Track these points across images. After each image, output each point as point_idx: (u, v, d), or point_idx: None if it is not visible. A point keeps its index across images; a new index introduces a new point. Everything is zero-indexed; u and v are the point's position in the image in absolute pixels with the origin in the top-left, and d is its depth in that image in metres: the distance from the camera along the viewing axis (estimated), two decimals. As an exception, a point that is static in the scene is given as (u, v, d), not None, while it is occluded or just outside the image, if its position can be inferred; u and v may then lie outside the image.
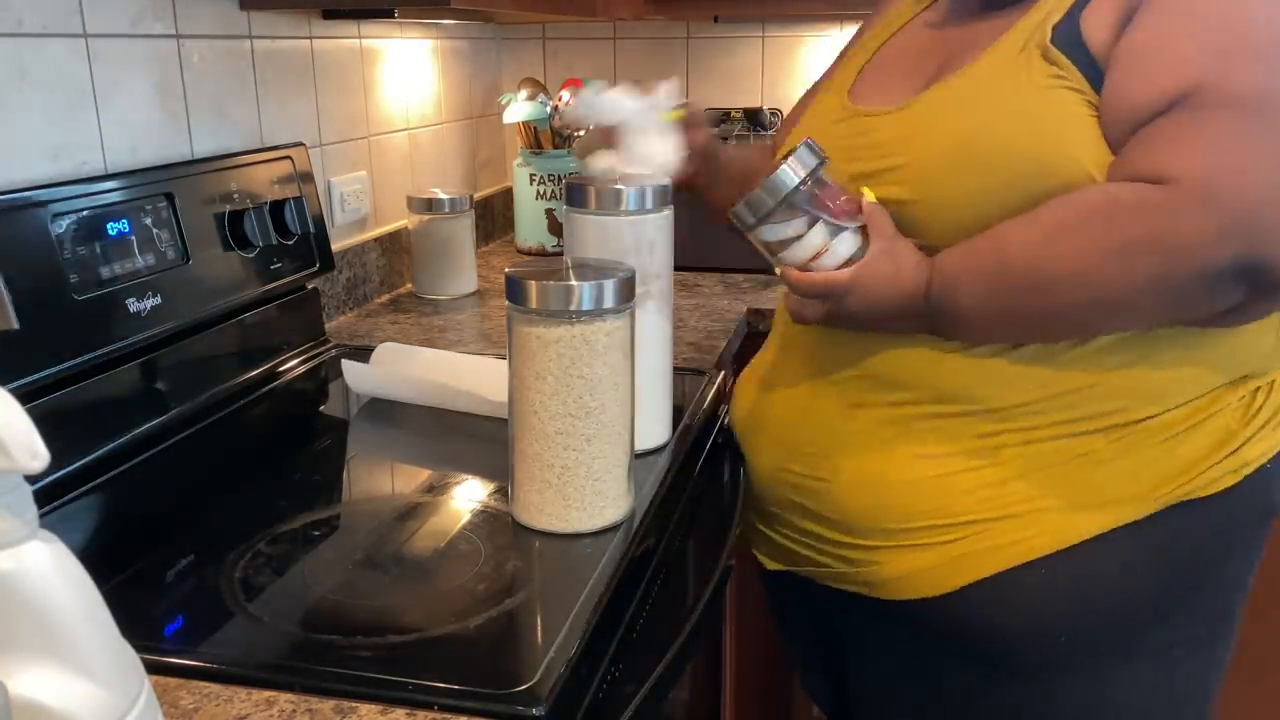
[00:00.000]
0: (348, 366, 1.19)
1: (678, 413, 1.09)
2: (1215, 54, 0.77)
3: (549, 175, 1.97)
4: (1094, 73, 0.83)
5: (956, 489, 0.90)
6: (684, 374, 1.25)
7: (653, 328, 0.98)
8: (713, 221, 1.16)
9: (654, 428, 1.02)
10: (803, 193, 0.87)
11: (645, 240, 0.96)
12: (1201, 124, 0.75)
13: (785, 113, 2.13)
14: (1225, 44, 0.78)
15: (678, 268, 1.05)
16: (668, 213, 0.98)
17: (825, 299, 0.89)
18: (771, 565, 1.08)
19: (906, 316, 0.88)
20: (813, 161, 0.88)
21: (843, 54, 1.14)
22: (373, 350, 1.26)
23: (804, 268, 0.90)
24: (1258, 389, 0.89)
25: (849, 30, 2.08)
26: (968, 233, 0.86)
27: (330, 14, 1.48)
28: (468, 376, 1.16)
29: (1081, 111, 0.83)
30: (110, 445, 1.01)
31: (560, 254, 1.09)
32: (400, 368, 1.22)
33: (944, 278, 0.86)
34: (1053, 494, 0.88)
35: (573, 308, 0.81)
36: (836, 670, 1.12)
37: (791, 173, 0.87)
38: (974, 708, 0.96)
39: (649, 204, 0.95)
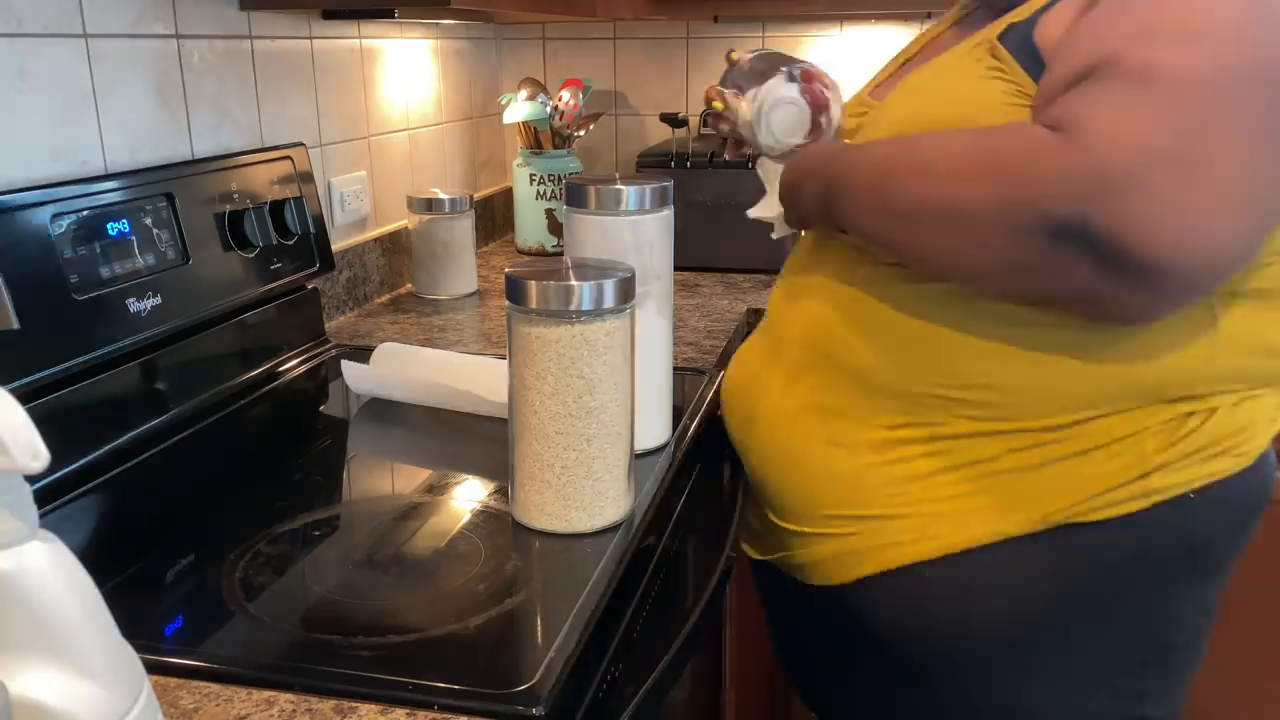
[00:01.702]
0: (347, 367, 1.19)
1: (678, 413, 1.09)
2: (1137, 31, 0.74)
3: (549, 175, 1.97)
4: (1037, 68, 0.82)
5: (863, 482, 0.91)
6: (684, 374, 1.25)
7: (653, 328, 0.98)
8: None
9: (654, 428, 1.02)
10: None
11: (645, 240, 0.96)
12: (1101, 89, 0.72)
13: (785, 113, 2.13)
14: (1150, 23, 0.74)
15: (678, 268, 1.05)
16: (668, 213, 0.98)
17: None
18: (752, 554, 1.10)
19: (813, 177, 0.92)
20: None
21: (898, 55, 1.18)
22: (372, 350, 1.26)
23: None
24: (1190, 414, 0.84)
25: (849, 30, 2.08)
26: None
27: (330, 14, 1.48)
28: (467, 376, 1.16)
29: (1007, 101, 0.83)
30: (110, 445, 1.01)
31: (560, 254, 1.09)
32: (400, 368, 1.22)
33: (850, 160, 0.89)
34: (947, 498, 0.88)
35: (573, 308, 0.81)
36: (807, 658, 1.15)
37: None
38: (894, 696, 0.99)
39: (649, 204, 0.95)
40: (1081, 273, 0.72)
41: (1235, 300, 0.82)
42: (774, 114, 1.00)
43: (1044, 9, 0.85)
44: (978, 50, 0.87)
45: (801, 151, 0.98)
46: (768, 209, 1.04)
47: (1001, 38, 0.85)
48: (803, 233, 1.05)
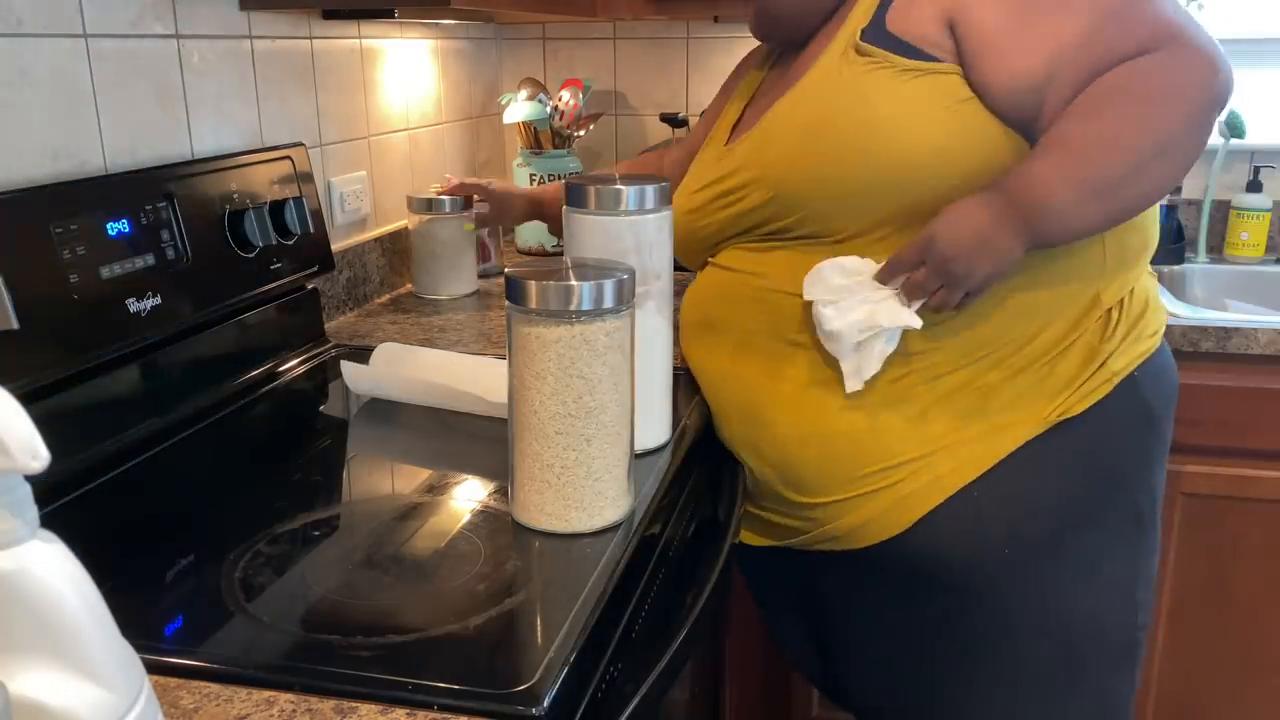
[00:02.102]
0: (346, 367, 1.19)
1: (677, 413, 1.09)
2: (1139, 15, 0.93)
3: (549, 175, 1.97)
4: (905, 49, 0.97)
5: (888, 432, 1.00)
6: (684, 374, 1.25)
7: (653, 328, 0.98)
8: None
9: (654, 428, 1.02)
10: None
11: (645, 240, 0.96)
12: (1139, 13, 0.92)
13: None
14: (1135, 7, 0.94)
15: (678, 268, 1.05)
16: (667, 213, 0.98)
17: (923, 263, 0.95)
18: (756, 542, 1.14)
19: (1004, 223, 0.92)
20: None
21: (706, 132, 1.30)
22: (372, 350, 1.26)
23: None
24: (1110, 309, 1.02)
25: (849, 30, 2.08)
26: (827, 218, 1.01)
27: (330, 14, 1.48)
28: (467, 377, 1.16)
29: (894, 81, 0.97)
30: (110, 445, 1.01)
31: (560, 254, 1.09)
32: (399, 368, 1.22)
33: (1024, 184, 0.92)
34: (966, 425, 0.99)
35: (573, 308, 0.81)
36: (821, 639, 1.18)
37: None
38: (943, 638, 1.06)
39: (649, 204, 0.95)
40: (1214, 107, 0.93)
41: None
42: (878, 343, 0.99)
43: (881, 9, 1.00)
44: (845, 55, 1.00)
45: (947, 220, 0.94)
46: (862, 374, 1.01)
47: (860, 39, 0.99)
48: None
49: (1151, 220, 1.06)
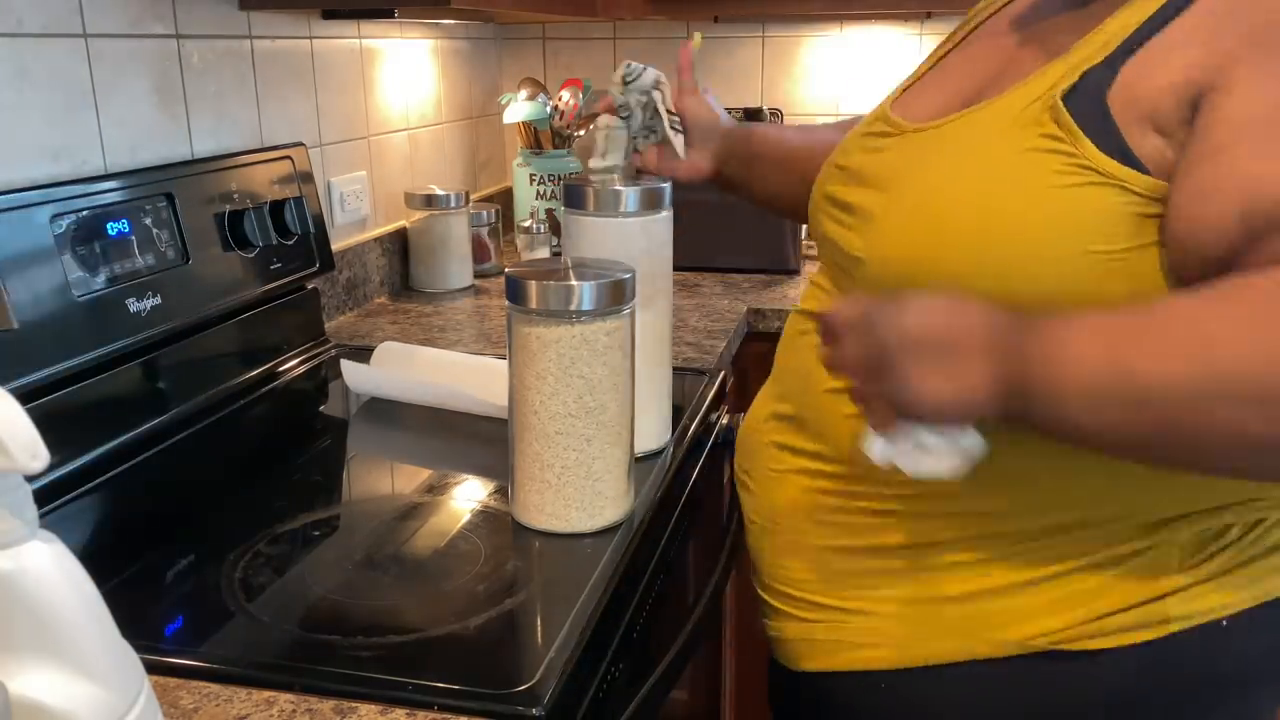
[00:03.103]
0: (347, 367, 1.19)
1: (677, 413, 1.09)
2: None
3: (549, 175, 1.97)
4: (1107, 138, 0.65)
5: (829, 566, 0.81)
6: (684, 374, 1.25)
7: (653, 329, 0.98)
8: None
9: (653, 429, 1.02)
10: None
11: (645, 242, 0.96)
12: None
13: (785, 113, 2.13)
14: None
15: (677, 268, 1.05)
16: (667, 213, 0.98)
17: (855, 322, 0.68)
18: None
19: (992, 350, 0.63)
20: None
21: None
22: (372, 351, 1.26)
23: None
24: (1229, 527, 0.70)
25: (849, 30, 2.08)
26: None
27: (330, 14, 1.48)
28: (467, 377, 1.16)
29: (1051, 183, 0.66)
30: (110, 445, 1.01)
31: (561, 254, 1.09)
32: (400, 368, 1.22)
33: (1050, 326, 0.62)
34: (913, 601, 0.76)
35: (573, 308, 0.81)
36: None
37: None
38: None
39: (648, 205, 0.95)
40: None
41: None
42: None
43: (1125, 53, 0.66)
44: (1034, 108, 0.69)
45: (920, 297, 0.67)
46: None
47: (1067, 97, 0.67)
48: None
49: None
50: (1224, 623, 0.70)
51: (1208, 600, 0.70)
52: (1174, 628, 0.70)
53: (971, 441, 0.65)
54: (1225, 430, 0.57)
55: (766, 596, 0.88)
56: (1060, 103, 0.67)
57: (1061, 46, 0.71)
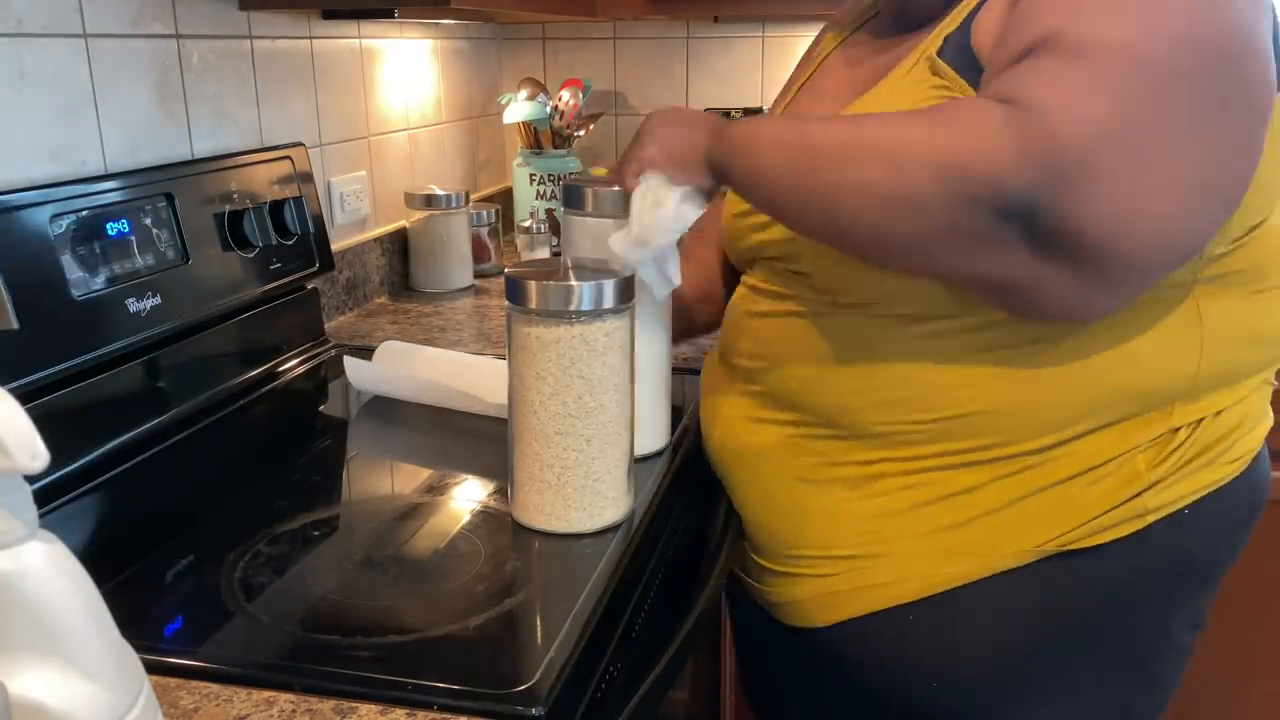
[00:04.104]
0: (350, 363, 1.19)
1: (677, 413, 1.09)
2: (1071, 5, 0.70)
3: (549, 175, 1.97)
4: (976, 70, 0.77)
5: (837, 520, 0.86)
6: (684, 374, 1.25)
7: (651, 332, 0.97)
8: None
9: (653, 430, 1.02)
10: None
11: None
12: (1044, 65, 0.68)
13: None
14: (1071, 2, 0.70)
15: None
16: None
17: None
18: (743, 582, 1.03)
19: (706, 122, 0.86)
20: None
21: (780, 95, 1.11)
22: (373, 350, 1.26)
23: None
24: (1179, 429, 0.80)
25: (849, 30, 2.08)
26: (862, 279, 0.82)
27: (330, 14, 1.48)
28: (469, 376, 1.17)
29: None
30: (110, 445, 1.01)
31: (561, 254, 1.08)
32: (402, 366, 1.22)
33: (741, 123, 0.84)
34: (926, 534, 0.83)
35: (573, 308, 0.81)
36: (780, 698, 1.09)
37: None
38: None
39: None
40: (1018, 255, 0.68)
41: (1218, 290, 0.79)
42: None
43: (974, 12, 0.80)
44: (917, 70, 0.81)
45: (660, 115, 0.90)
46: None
47: (939, 53, 0.80)
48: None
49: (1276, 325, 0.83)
50: (1186, 510, 0.81)
51: (1173, 491, 0.80)
52: (1150, 519, 0.80)
53: (691, 206, 0.86)
54: (860, 182, 0.72)
55: (774, 565, 0.92)
56: (935, 56, 0.80)
57: (915, 44, 0.85)
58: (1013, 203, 0.66)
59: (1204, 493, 0.81)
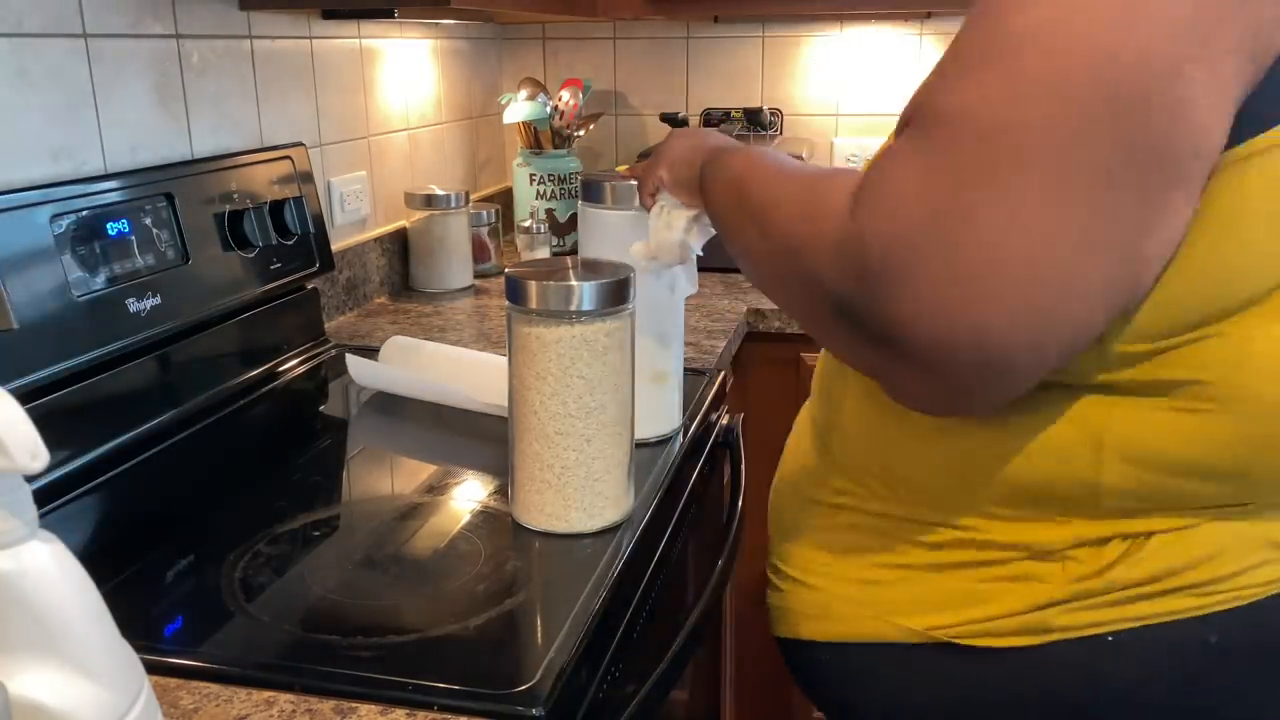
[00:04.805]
0: (351, 361, 1.19)
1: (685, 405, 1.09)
2: (942, 65, 0.63)
3: (549, 175, 1.97)
4: None
5: (800, 541, 0.85)
6: (684, 374, 1.25)
7: (677, 308, 1.01)
8: None
9: (665, 414, 1.05)
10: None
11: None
12: (895, 148, 0.63)
13: (785, 113, 2.13)
14: (949, 58, 0.63)
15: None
16: None
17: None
18: None
19: (701, 153, 0.89)
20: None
21: None
22: (374, 350, 1.26)
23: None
24: (1107, 540, 0.69)
25: (849, 30, 2.08)
26: None
27: (330, 14, 1.48)
28: (472, 373, 1.17)
29: None
30: (110, 445, 1.01)
31: (561, 254, 1.09)
32: (405, 363, 1.23)
33: (722, 157, 0.85)
34: (853, 581, 0.80)
35: (573, 308, 0.81)
36: None
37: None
38: None
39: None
40: (863, 349, 0.65)
41: (1130, 402, 0.66)
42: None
43: None
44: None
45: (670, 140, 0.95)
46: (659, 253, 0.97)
47: None
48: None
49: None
50: (1109, 638, 0.70)
51: (1091, 615, 0.70)
52: (1055, 637, 0.70)
53: (701, 227, 0.92)
54: (748, 249, 0.77)
55: (769, 571, 0.92)
56: None
57: None
58: (834, 300, 0.63)
59: (1149, 622, 0.69)
